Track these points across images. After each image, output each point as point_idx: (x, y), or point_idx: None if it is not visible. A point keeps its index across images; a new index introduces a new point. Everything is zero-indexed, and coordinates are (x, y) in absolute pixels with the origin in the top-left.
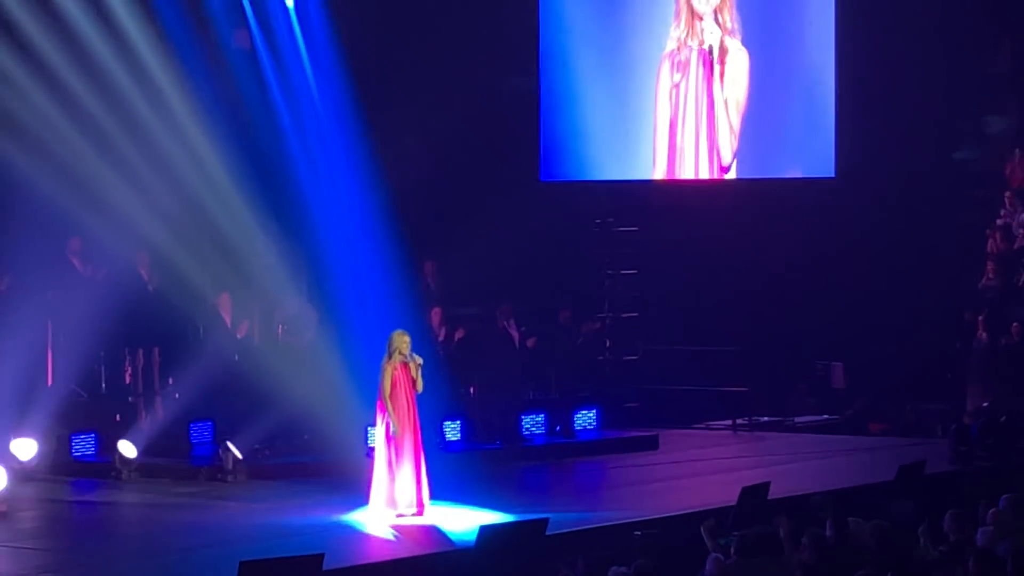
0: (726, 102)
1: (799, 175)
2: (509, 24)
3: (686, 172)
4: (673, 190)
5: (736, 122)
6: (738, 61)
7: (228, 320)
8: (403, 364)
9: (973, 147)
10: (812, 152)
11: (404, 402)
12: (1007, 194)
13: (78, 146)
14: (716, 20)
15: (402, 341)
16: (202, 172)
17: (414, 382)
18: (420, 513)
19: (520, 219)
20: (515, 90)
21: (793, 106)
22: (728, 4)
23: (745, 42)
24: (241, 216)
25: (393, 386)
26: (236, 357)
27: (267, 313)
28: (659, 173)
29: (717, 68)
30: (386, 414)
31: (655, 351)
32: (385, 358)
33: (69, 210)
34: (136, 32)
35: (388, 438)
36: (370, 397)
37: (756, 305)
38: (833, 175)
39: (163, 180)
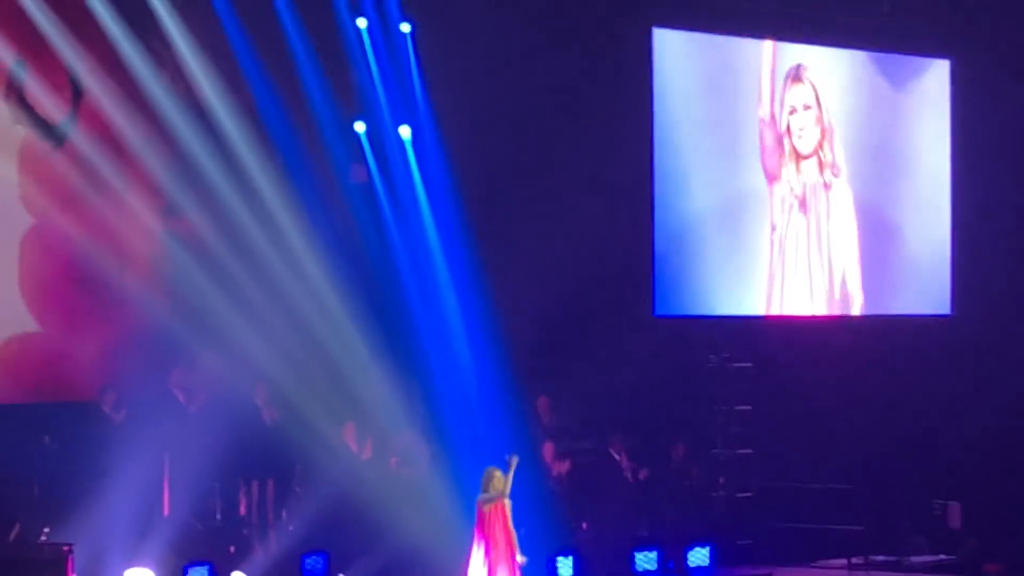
0: (839, 239)
1: (914, 312)
2: (624, 158)
3: (800, 307)
4: (788, 326)
5: (853, 258)
6: (842, 198)
7: (354, 447)
8: (499, 500)
9: None
10: (928, 289)
11: (499, 539)
12: None
13: (195, 278)
14: (819, 157)
15: (494, 476)
16: (318, 305)
17: (507, 520)
18: None
19: (634, 354)
20: (629, 224)
21: (908, 243)
22: (830, 140)
23: (854, 178)
24: (356, 349)
25: (489, 523)
26: (367, 482)
27: (380, 445)
28: (772, 309)
29: (825, 205)
30: (482, 546)
31: (769, 488)
32: (481, 494)
33: (185, 341)
34: (254, 165)
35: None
36: None
37: (872, 442)
38: (950, 312)
39: (279, 312)
